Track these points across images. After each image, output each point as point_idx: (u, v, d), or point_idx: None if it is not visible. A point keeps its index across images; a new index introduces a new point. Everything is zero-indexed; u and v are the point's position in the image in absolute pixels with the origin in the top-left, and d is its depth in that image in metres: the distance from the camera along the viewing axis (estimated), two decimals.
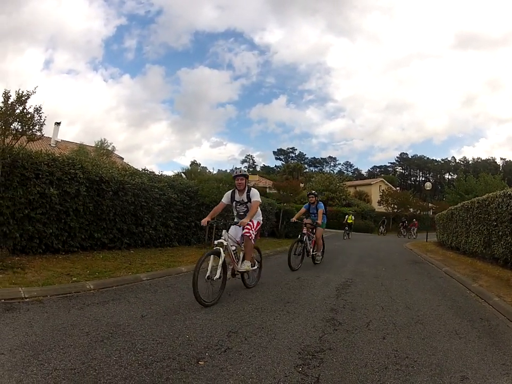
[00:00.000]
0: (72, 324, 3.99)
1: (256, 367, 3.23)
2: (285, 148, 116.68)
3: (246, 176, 6.45)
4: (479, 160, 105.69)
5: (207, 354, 3.43)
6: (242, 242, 6.23)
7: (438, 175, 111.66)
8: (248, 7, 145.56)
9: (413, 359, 3.62)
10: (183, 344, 3.64)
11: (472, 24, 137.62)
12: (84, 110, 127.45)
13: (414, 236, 32.40)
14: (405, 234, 34.04)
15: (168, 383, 2.84)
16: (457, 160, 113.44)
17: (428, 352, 3.86)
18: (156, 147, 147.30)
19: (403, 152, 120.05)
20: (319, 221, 9.96)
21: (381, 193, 47.16)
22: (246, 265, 6.17)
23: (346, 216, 27.53)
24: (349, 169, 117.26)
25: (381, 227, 37.37)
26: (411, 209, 44.56)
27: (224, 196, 6.67)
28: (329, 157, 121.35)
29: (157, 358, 3.24)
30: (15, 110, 6.84)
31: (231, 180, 12.70)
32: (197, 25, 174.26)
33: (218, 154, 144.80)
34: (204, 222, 5.96)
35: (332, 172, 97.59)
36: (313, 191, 10.81)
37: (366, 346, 3.95)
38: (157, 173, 12.16)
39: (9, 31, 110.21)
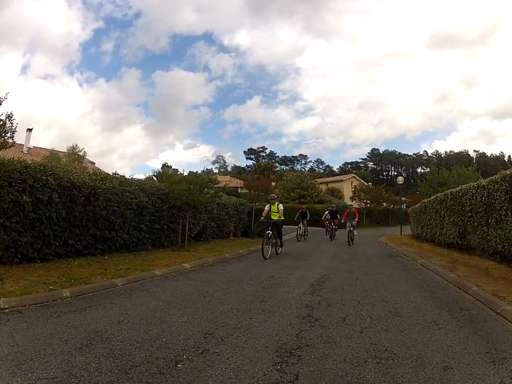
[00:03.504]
0: (51, 333, 4.05)
1: (234, 367, 3.28)
2: (255, 148, 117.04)
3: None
4: (451, 153, 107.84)
5: (184, 356, 3.50)
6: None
7: (410, 169, 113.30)
8: (227, 10, 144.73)
9: (393, 352, 3.67)
10: (160, 347, 3.72)
11: (447, 24, 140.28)
12: (59, 115, 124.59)
13: (351, 236, 17.29)
14: (334, 231, 20.95)
15: None
16: (429, 154, 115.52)
17: (407, 344, 3.91)
18: (130, 151, 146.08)
19: (374, 148, 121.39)
20: None
21: (353, 189, 47.57)
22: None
23: (267, 207, 13.01)
24: (320, 167, 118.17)
25: (300, 225, 20.52)
26: (384, 204, 45.21)
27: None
28: (300, 155, 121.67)
29: (135, 363, 3.31)
30: None
31: (201, 181, 12.83)
32: (176, 28, 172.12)
33: (191, 156, 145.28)
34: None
35: (303, 169, 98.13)
36: None
37: (344, 341, 4.00)
38: (128, 176, 12.11)
39: None
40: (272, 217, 12.81)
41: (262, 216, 13.00)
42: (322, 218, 22.79)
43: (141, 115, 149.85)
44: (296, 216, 21.21)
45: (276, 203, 13.05)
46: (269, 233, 12.08)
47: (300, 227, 20.45)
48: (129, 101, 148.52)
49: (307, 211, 21.39)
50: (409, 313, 5.19)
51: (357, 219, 18.51)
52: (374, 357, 3.56)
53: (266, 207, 13.14)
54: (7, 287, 5.73)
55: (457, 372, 3.24)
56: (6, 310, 4.80)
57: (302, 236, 20.62)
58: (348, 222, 18.07)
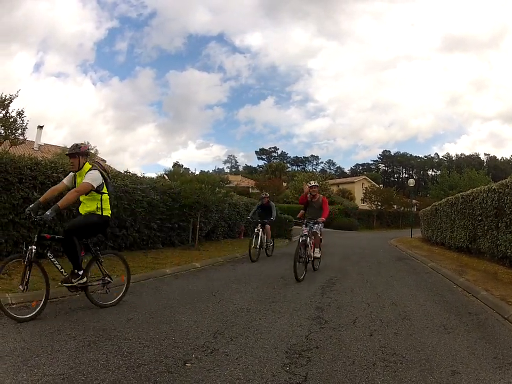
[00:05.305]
0: (59, 329, 4.02)
1: (243, 367, 3.25)
2: (267, 148, 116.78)
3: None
4: (462, 156, 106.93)
5: (193, 356, 3.46)
6: None
7: (421, 172, 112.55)
8: (241, 11, 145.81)
9: (401, 355, 3.63)
10: (169, 346, 3.68)
11: (459, 27, 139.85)
12: (71, 113, 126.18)
13: (306, 253, 8.05)
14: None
15: None
16: (440, 157, 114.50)
17: (416, 347, 3.87)
18: (142, 149, 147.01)
19: (386, 150, 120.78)
20: None
21: (364, 191, 47.35)
22: None
23: (67, 180, 5.48)
24: (332, 168, 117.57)
25: (258, 229, 11.22)
26: (395, 206, 44.94)
27: None
28: (312, 155, 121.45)
29: (144, 361, 3.27)
30: None
31: (213, 180, 12.77)
32: (191, 28, 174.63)
33: (203, 156, 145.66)
34: None
35: (314, 170, 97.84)
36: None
37: (353, 343, 3.96)
38: (139, 175, 12.13)
39: (0, 35, 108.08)
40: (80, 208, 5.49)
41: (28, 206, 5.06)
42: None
43: (154, 114, 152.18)
44: (251, 214, 12.28)
45: (86, 166, 5.23)
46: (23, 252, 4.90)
47: (258, 233, 11.24)
48: (142, 100, 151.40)
49: (272, 204, 12.36)
50: (419, 317, 5.13)
51: (323, 218, 8.84)
52: (383, 360, 3.51)
53: (65, 181, 5.52)
54: (15, 282, 5.69)
55: (464, 376, 3.19)
56: (14, 306, 4.78)
57: (264, 249, 11.74)
58: (307, 221, 8.80)
